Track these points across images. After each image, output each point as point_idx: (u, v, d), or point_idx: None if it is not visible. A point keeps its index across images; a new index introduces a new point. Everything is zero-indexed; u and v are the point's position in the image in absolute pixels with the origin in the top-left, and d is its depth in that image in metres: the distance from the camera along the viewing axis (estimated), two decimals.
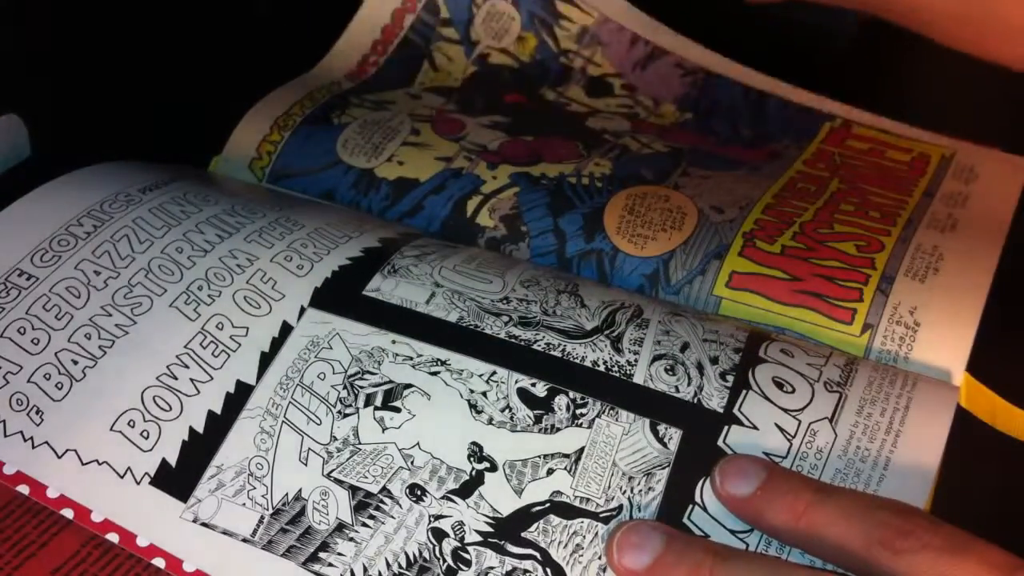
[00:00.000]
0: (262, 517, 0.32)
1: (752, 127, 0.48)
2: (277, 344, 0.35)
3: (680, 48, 0.50)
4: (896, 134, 0.47)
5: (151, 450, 0.33)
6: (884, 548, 0.28)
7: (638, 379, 0.34)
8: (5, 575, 0.32)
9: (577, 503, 0.32)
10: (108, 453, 0.33)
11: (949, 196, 0.43)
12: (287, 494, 0.32)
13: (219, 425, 0.34)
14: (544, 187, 0.43)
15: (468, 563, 0.31)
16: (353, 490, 0.32)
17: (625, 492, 0.32)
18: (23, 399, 0.35)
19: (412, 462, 0.33)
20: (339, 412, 0.34)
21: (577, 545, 0.31)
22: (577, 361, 0.34)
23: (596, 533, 0.31)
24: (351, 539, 0.32)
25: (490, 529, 0.32)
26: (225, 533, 0.32)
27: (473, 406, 0.33)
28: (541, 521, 0.32)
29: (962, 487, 0.33)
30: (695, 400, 0.33)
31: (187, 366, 0.35)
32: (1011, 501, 0.35)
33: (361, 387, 0.34)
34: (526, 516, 0.32)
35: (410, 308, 0.36)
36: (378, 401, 0.34)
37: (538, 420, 0.33)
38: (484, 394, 0.34)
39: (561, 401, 0.33)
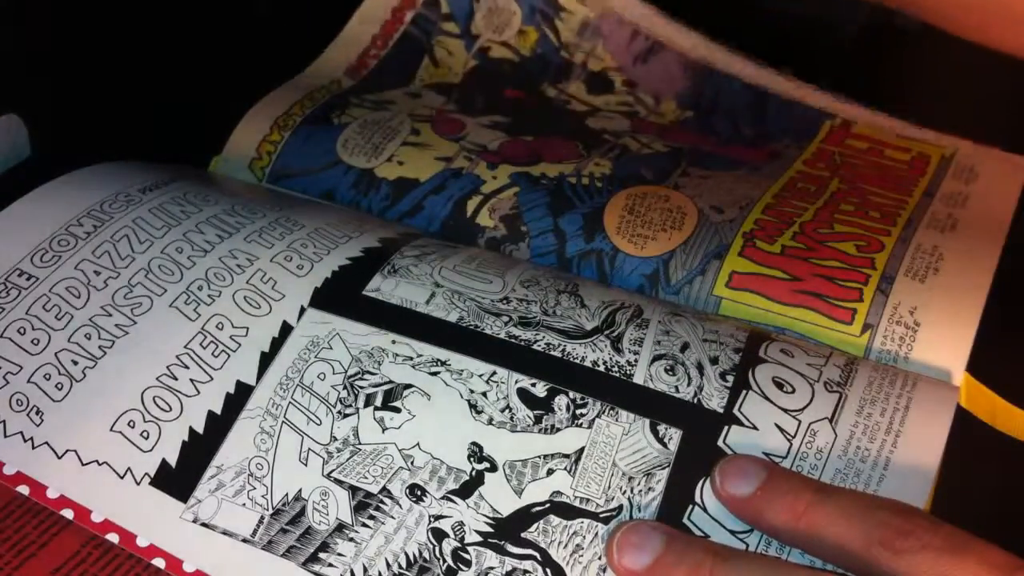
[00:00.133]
0: (262, 517, 0.32)
1: (753, 126, 0.48)
2: (277, 344, 0.35)
3: (681, 41, 0.50)
4: (896, 133, 0.47)
5: (151, 450, 0.33)
6: (884, 548, 0.28)
7: (638, 379, 0.34)
8: (5, 575, 0.32)
9: (577, 503, 0.32)
10: (108, 453, 0.33)
11: (949, 196, 0.43)
12: (287, 494, 0.32)
13: (219, 425, 0.34)
14: (544, 187, 0.43)
15: (468, 563, 0.31)
16: (353, 490, 0.32)
17: (625, 492, 0.32)
18: (23, 399, 0.35)
19: (412, 462, 0.33)
20: (339, 412, 0.34)
21: (577, 545, 0.31)
22: (577, 361, 0.34)
23: (596, 533, 0.31)
24: (351, 539, 0.32)
25: (490, 529, 0.32)
26: (225, 533, 0.32)
27: (473, 406, 0.33)
28: (541, 521, 0.32)
29: (962, 487, 0.33)
30: (695, 400, 0.33)
31: (187, 366, 0.35)
32: (1011, 501, 0.35)
33: (361, 387, 0.34)
34: (526, 516, 0.32)
35: (410, 308, 0.36)
36: (378, 401, 0.34)
37: (538, 420, 0.33)
38: (484, 394, 0.34)
39: (561, 401, 0.33)
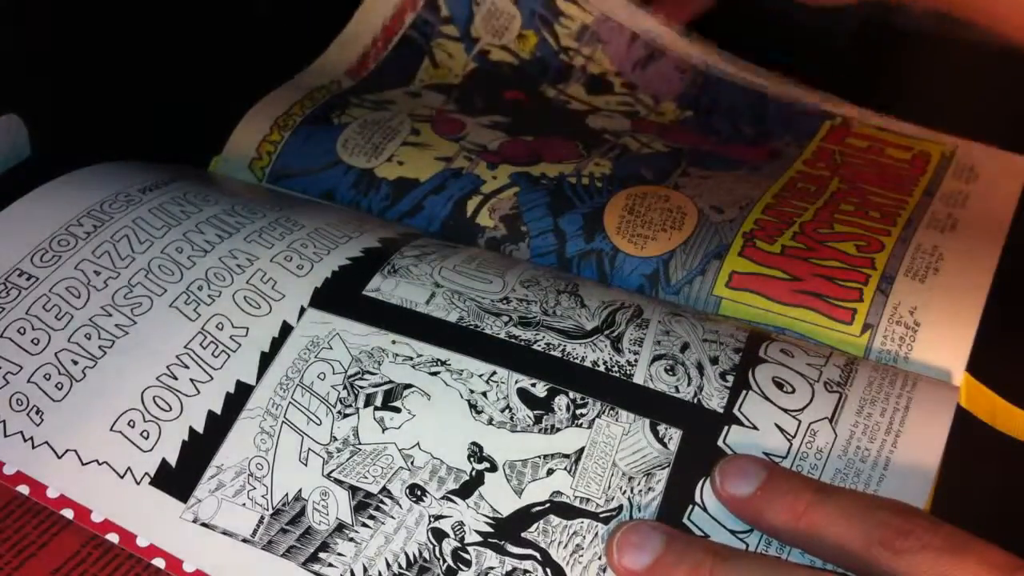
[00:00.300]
0: (262, 517, 0.32)
1: (752, 125, 0.48)
2: (277, 344, 0.35)
3: (679, 47, 0.50)
4: (896, 132, 0.47)
5: (151, 450, 0.33)
6: (884, 548, 0.28)
7: (638, 379, 0.34)
8: (5, 575, 0.32)
9: (577, 503, 0.32)
10: (108, 453, 0.33)
11: (949, 195, 0.43)
12: (287, 494, 0.32)
13: (219, 425, 0.34)
14: (544, 187, 0.43)
15: (468, 563, 0.31)
16: (353, 490, 0.32)
17: (625, 492, 0.32)
18: (23, 399, 0.35)
19: (412, 462, 0.33)
20: (339, 412, 0.34)
21: (577, 545, 0.31)
22: (577, 361, 0.34)
23: (596, 533, 0.31)
24: (351, 539, 0.32)
25: (490, 529, 0.32)
26: (225, 533, 0.32)
27: (473, 406, 0.33)
28: (541, 521, 0.32)
29: (962, 487, 0.33)
30: (695, 400, 0.33)
31: (187, 366, 0.35)
32: (1011, 501, 0.35)
33: (361, 387, 0.34)
34: (526, 516, 0.32)
35: (410, 308, 0.36)
36: (378, 401, 0.34)
37: (538, 420, 0.33)
38: (484, 394, 0.34)
39: (561, 401, 0.33)
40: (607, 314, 0.36)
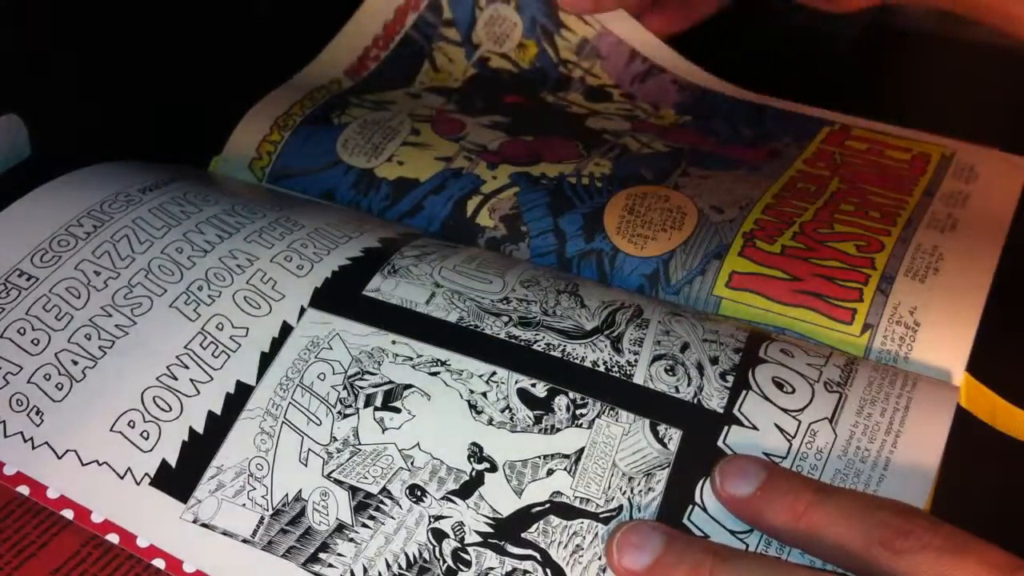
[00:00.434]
0: (262, 518, 0.32)
1: (752, 127, 0.48)
2: (277, 344, 0.35)
3: (678, 67, 0.50)
4: (896, 135, 0.47)
5: (151, 451, 0.33)
6: (884, 548, 0.28)
7: (638, 379, 0.34)
8: (5, 575, 0.32)
9: (577, 503, 0.32)
10: (108, 454, 0.33)
11: (949, 195, 0.43)
12: (287, 495, 0.32)
13: (219, 426, 0.34)
14: (544, 187, 0.43)
15: (468, 564, 0.31)
16: (353, 491, 0.32)
17: (625, 492, 0.32)
18: (23, 399, 0.35)
19: (412, 463, 0.33)
20: (339, 413, 0.34)
21: (577, 546, 0.31)
22: (577, 361, 0.34)
23: (596, 534, 0.31)
24: (351, 540, 0.32)
25: (490, 530, 0.32)
26: (225, 534, 0.32)
27: (473, 406, 0.33)
28: (541, 522, 0.32)
29: (962, 487, 0.33)
30: (695, 400, 0.33)
31: (187, 366, 0.35)
32: (1011, 501, 0.35)
33: (361, 387, 0.34)
34: (526, 517, 0.32)
35: (410, 308, 0.36)
36: (378, 401, 0.34)
37: (538, 420, 0.33)
38: (484, 394, 0.34)
39: (561, 401, 0.33)
40: (607, 314, 0.36)
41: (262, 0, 0.56)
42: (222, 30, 0.53)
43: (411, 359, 0.35)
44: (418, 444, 0.33)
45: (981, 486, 0.35)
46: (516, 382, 0.34)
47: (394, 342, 0.35)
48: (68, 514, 0.33)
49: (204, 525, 0.32)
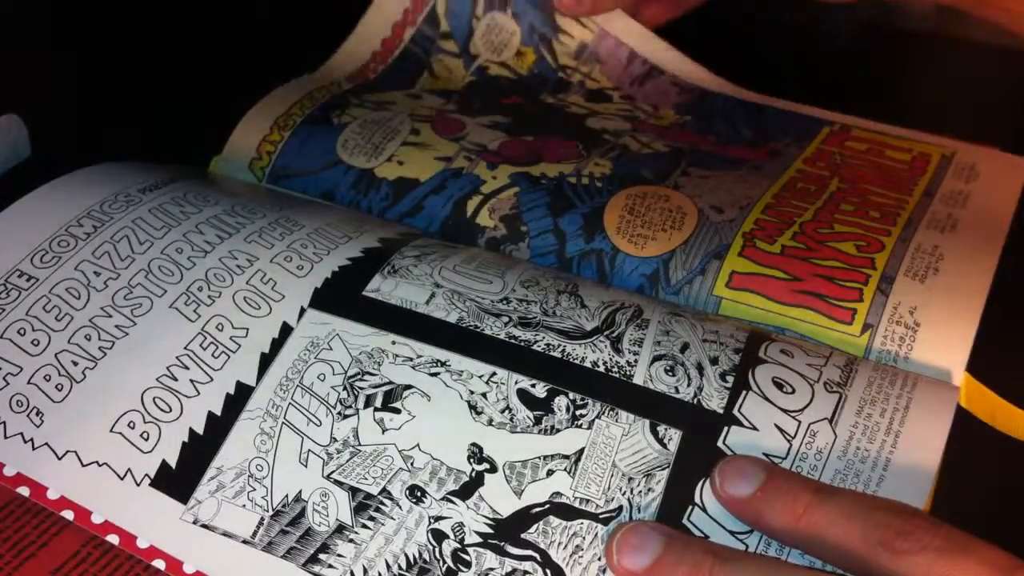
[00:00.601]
0: (262, 519, 0.32)
1: (752, 127, 0.48)
2: (277, 345, 0.35)
3: (677, 67, 0.50)
4: (896, 135, 0.47)
5: (151, 451, 0.33)
6: (884, 549, 0.28)
7: (638, 380, 0.34)
8: (5, 575, 0.32)
9: (577, 504, 0.32)
10: (108, 454, 0.33)
11: (949, 195, 0.43)
12: (287, 495, 0.32)
13: (219, 426, 0.34)
14: (544, 187, 0.43)
15: (468, 564, 0.31)
16: (353, 491, 0.32)
17: (625, 493, 0.32)
18: (23, 400, 0.35)
19: (412, 463, 0.33)
20: (339, 413, 0.34)
21: (577, 546, 0.31)
22: (577, 362, 0.34)
23: (596, 534, 0.31)
24: (351, 540, 0.32)
25: (490, 530, 0.32)
26: (225, 535, 0.32)
27: (473, 407, 0.33)
28: (541, 522, 0.32)
29: (962, 487, 0.33)
30: (695, 401, 0.33)
31: (187, 367, 0.35)
32: (1011, 501, 0.35)
33: (361, 388, 0.34)
34: (526, 517, 0.32)
35: (410, 309, 0.36)
36: (378, 402, 0.34)
37: (538, 421, 0.33)
38: (484, 395, 0.34)
39: (561, 402, 0.33)
40: (607, 314, 0.36)
41: (263, 0, 0.56)
42: (222, 30, 0.53)
43: (411, 359, 0.35)
44: (418, 445, 0.33)
45: (981, 486, 0.35)
46: (516, 382, 0.34)
47: (394, 342, 0.35)
48: (68, 515, 0.33)
49: (204, 526, 0.32)
